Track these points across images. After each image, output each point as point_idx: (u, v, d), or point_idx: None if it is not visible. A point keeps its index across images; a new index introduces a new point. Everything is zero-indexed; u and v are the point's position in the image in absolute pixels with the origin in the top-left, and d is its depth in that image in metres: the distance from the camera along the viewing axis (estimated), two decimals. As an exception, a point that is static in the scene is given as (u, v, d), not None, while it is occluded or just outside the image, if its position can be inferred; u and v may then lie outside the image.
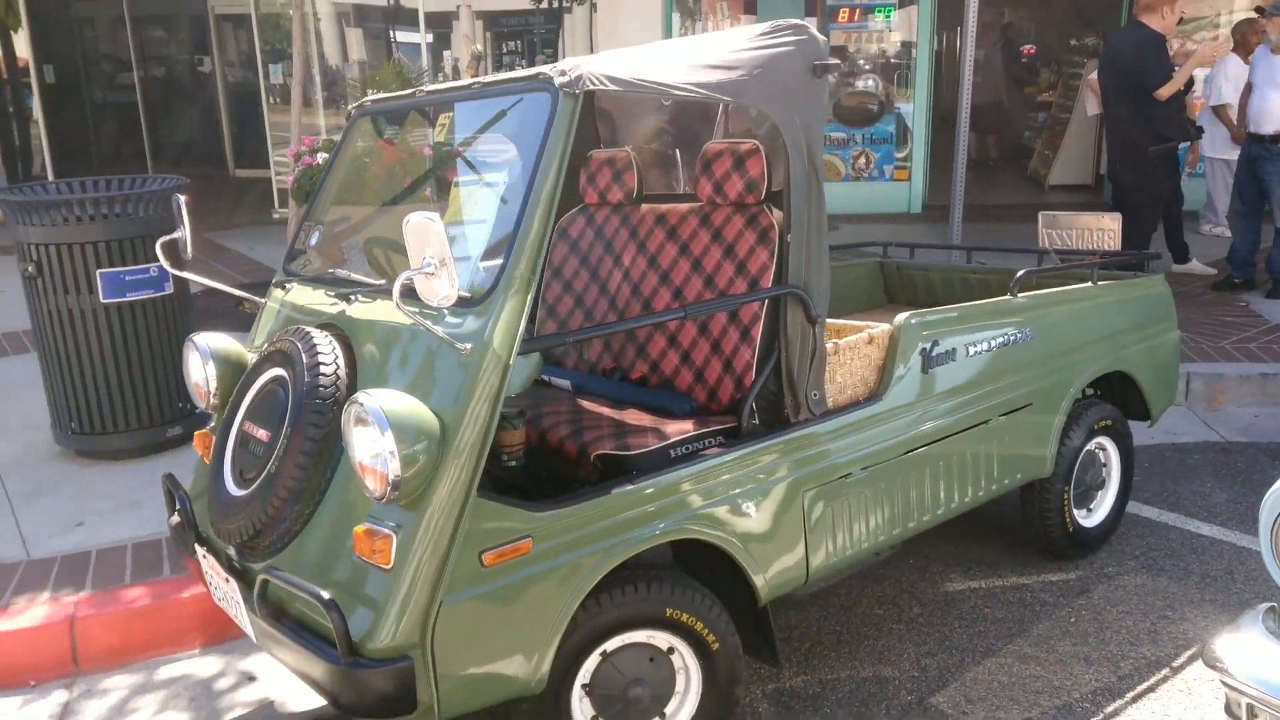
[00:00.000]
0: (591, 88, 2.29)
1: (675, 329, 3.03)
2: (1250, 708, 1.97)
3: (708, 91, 2.49)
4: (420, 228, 1.97)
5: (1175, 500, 4.09)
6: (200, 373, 2.86)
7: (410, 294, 2.05)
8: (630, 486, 2.36)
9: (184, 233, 2.94)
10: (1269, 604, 2.10)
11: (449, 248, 1.96)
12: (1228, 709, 2.04)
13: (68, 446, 4.55)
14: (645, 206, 3.26)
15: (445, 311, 2.26)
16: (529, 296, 2.19)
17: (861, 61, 10.76)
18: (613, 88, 2.33)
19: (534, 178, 2.22)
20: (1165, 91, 5.97)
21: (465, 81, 2.64)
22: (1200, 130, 7.32)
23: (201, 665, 3.20)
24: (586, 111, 3.56)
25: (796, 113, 2.64)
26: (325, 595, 2.07)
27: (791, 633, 3.22)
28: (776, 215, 2.80)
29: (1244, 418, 5.07)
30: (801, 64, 2.63)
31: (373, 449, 2.06)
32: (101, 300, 4.33)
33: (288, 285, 2.93)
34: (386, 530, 2.10)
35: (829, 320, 3.21)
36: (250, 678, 3.12)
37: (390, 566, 2.08)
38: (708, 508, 2.50)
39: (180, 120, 15.66)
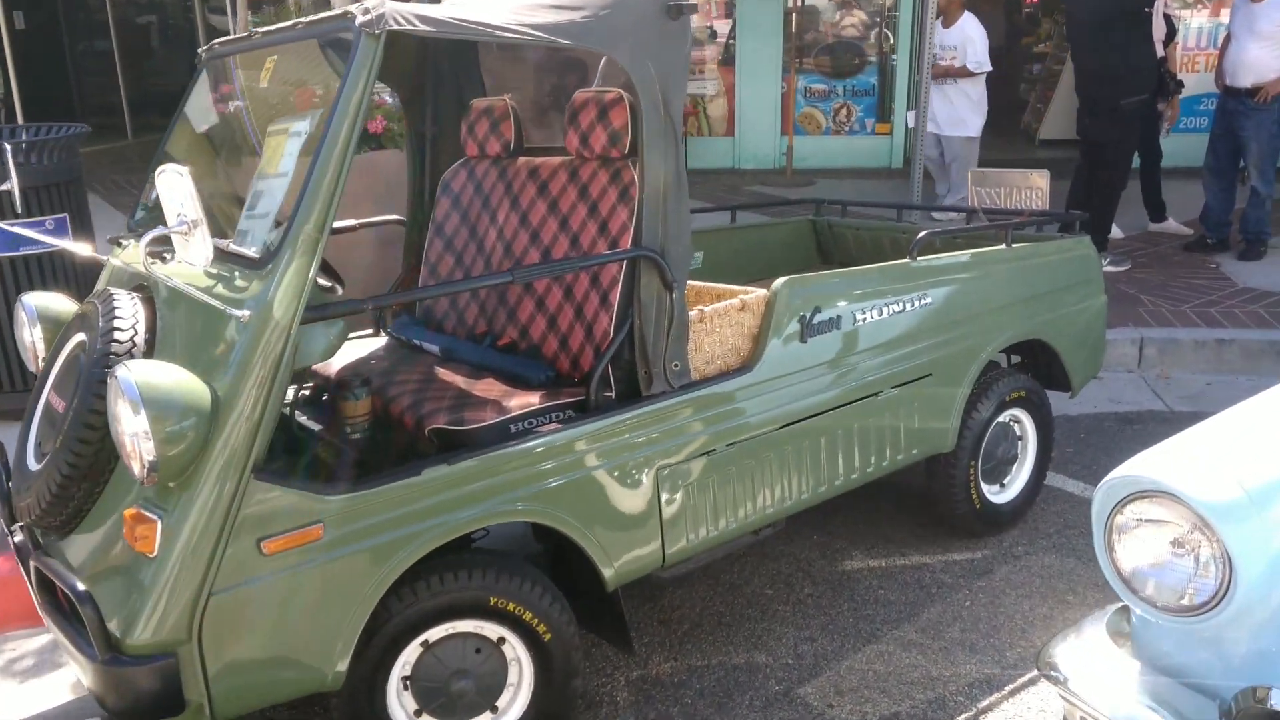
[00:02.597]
0: (396, 28, 2.08)
1: (542, 291, 2.84)
2: (1085, 721, 1.79)
3: (542, 34, 2.27)
4: (170, 183, 1.78)
5: (1102, 476, 3.88)
6: (28, 334, 2.69)
7: (168, 251, 1.86)
8: (445, 468, 2.18)
9: (13, 184, 2.75)
10: (1119, 604, 1.92)
11: (199, 205, 1.77)
12: (1066, 720, 1.87)
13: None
14: (522, 160, 3.06)
15: (236, 273, 2.08)
16: (316, 257, 2.00)
17: (846, 11, 10.41)
18: (423, 28, 2.11)
19: (328, 127, 2.02)
20: None
21: (290, 22, 2.43)
22: (1180, 84, 7.01)
23: (46, 642, 3.06)
24: (470, 59, 3.34)
25: (650, 59, 2.41)
26: (80, 587, 1.91)
27: (671, 614, 3.06)
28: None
29: (1195, 385, 4.85)
30: (654, 5, 2.40)
31: (131, 427, 1.89)
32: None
33: (124, 242, 2.75)
34: (153, 515, 1.93)
35: (711, 284, 3.02)
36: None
37: (155, 554, 1.91)
38: (542, 487, 2.32)
39: (157, 69, 15.38)
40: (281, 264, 1.98)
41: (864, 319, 2.90)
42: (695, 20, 10.63)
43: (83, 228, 4.50)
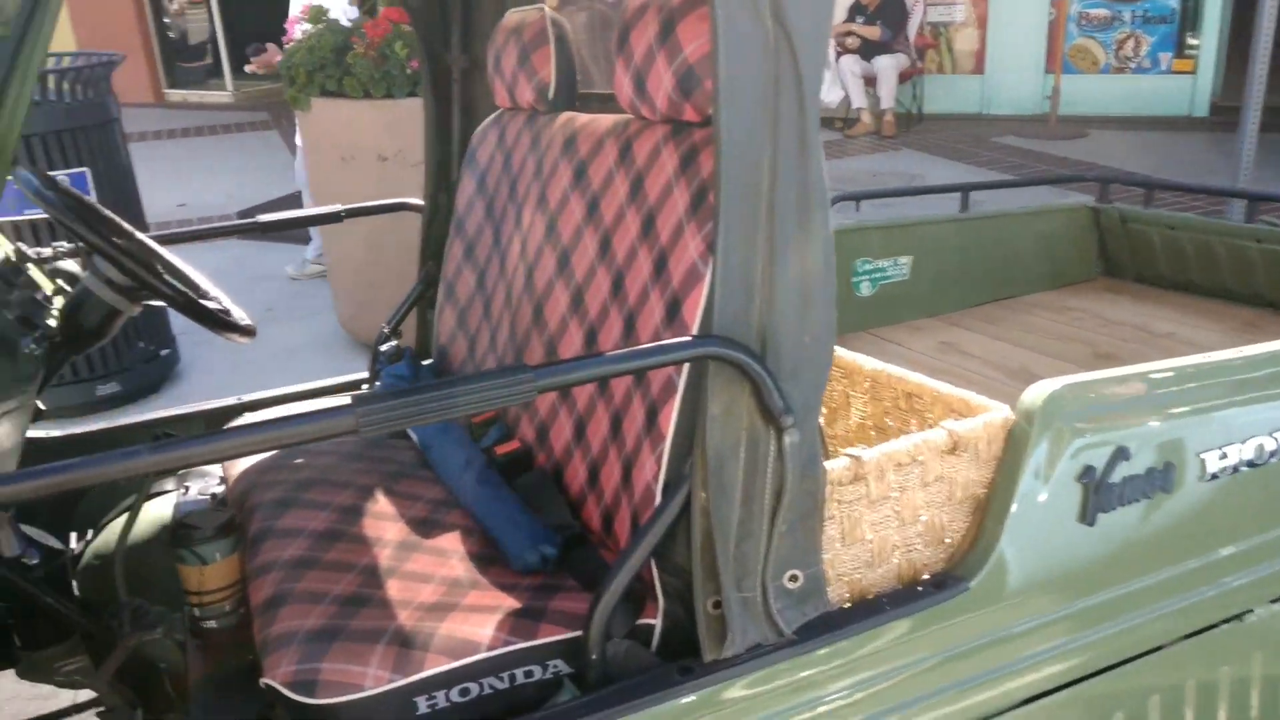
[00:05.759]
0: None
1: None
2: None
3: None
4: None
5: None
6: None
7: None
8: None
9: None
10: None
11: None
12: None
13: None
14: (563, 118, 1.72)
15: None
16: None
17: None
18: None
19: None
20: None
21: None
22: None
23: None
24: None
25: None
26: None
27: None
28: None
29: None
30: None
31: None
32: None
33: None
34: None
35: (893, 369, 1.58)
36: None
37: None
38: None
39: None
40: None
41: (1220, 467, 1.38)
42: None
43: (112, 186, 3.60)
